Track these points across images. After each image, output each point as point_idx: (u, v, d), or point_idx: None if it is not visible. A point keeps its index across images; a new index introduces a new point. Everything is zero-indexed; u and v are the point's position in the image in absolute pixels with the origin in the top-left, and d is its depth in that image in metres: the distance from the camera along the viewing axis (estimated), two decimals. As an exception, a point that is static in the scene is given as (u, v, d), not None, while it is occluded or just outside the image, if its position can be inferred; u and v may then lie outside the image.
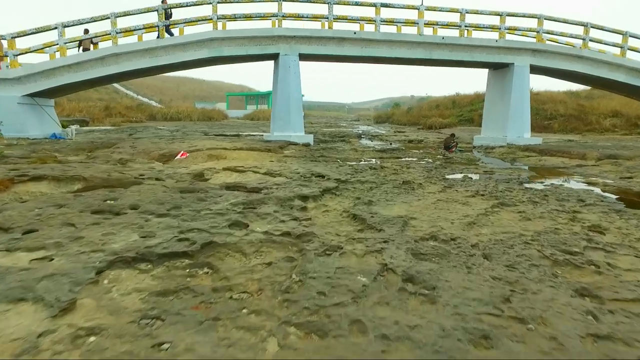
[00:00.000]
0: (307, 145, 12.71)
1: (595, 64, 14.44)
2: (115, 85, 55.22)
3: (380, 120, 41.51)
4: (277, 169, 6.74)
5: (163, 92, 57.62)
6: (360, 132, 23.20)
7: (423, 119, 30.94)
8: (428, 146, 16.78)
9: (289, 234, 3.19)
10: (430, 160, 10.09)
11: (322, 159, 9.32)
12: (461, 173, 7.51)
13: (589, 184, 6.50)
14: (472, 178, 6.78)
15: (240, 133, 17.76)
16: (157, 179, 5.44)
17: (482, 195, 5.15)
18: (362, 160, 9.64)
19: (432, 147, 14.97)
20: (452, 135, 13.76)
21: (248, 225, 3.40)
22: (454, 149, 13.35)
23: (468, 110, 31.68)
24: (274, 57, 13.29)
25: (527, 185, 6.12)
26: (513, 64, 13.95)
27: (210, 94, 62.92)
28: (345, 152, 11.39)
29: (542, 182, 6.57)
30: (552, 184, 6.36)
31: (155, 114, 35.88)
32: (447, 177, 6.83)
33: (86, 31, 13.00)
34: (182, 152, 8.61)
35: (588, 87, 31.83)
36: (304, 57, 13.50)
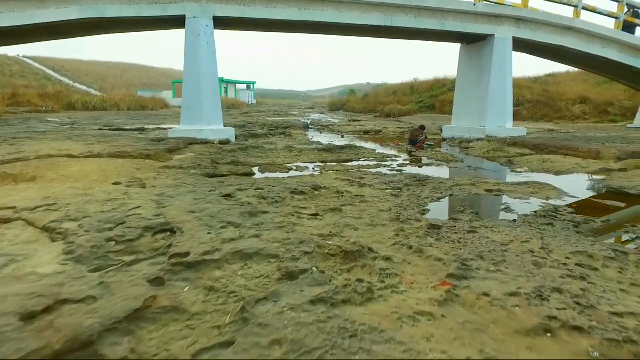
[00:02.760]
0: (225, 142, 9.18)
1: (587, 39, 11.82)
2: (49, 71, 49.27)
3: (334, 108, 38.34)
4: (87, 214, 3.22)
5: (104, 80, 52.89)
6: (309, 121, 19.83)
7: (380, 106, 28.10)
8: (387, 138, 13.71)
9: None
10: (394, 165, 6.90)
11: (227, 170, 5.86)
12: (449, 195, 4.36)
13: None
14: (484, 221, 3.58)
15: (151, 126, 13.84)
16: None
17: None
18: (292, 169, 6.29)
19: (395, 140, 11.86)
20: (421, 127, 10.72)
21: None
22: (422, 145, 10.34)
23: (428, 97, 29.17)
24: (181, 22, 9.53)
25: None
26: (493, 36, 11.02)
27: (159, 82, 58.26)
28: (275, 153, 7.97)
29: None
30: None
31: (75, 103, 30.81)
32: (437, 220, 3.59)
33: None
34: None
35: (549, 74, 30.34)
36: (221, 22, 9.85)
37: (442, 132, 13.27)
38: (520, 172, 6.39)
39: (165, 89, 48.47)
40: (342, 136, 13.49)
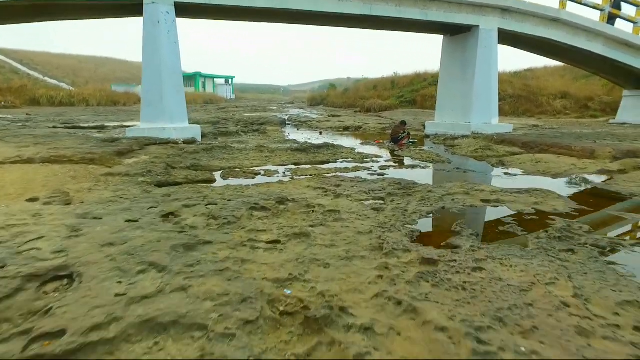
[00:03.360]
0: (190, 142, 8.31)
1: (572, 31, 11.36)
2: (17, 64, 46.74)
3: (314, 103, 37.54)
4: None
5: (77, 74, 50.04)
6: (287, 117, 18.99)
7: (360, 101, 27.47)
8: (368, 134, 13.04)
9: None
10: (375, 167, 6.19)
11: (184, 177, 5.04)
12: (441, 208, 3.67)
13: None
14: (489, 248, 2.91)
15: (114, 124, 12.79)
16: None
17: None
18: (259, 174, 5.50)
19: (376, 138, 11.19)
20: (403, 123, 10.07)
21: None
22: (405, 142, 9.69)
23: (409, 91, 28.62)
24: (139, 8, 8.56)
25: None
26: (478, 27, 10.42)
27: (135, 76, 56.17)
28: (243, 154, 7.15)
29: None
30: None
31: (39, 98, 29.17)
32: (431, 251, 2.91)
33: None
34: None
35: (527, 69, 30.21)
36: (184, 10, 8.93)
37: (425, 128, 12.66)
38: (515, 175, 5.77)
39: (139, 83, 47.29)
40: (321, 133, 12.76)
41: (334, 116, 20.53)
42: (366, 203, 3.80)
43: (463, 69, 11.03)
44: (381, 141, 10.12)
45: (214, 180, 5.11)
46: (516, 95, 22.58)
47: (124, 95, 33.49)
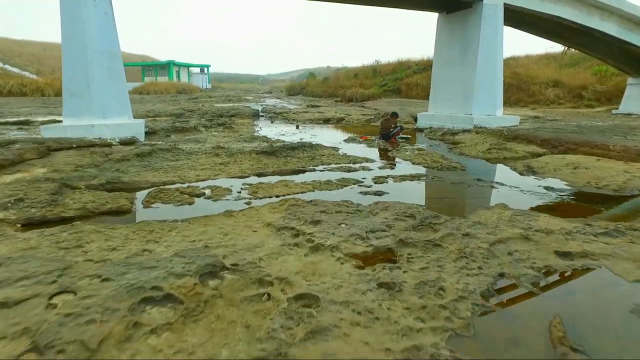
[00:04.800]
0: (129, 142, 6.46)
1: (586, 9, 9.88)
2: None
3: (293, 92, 35.57)
4: None
5: (42, 62, 46.29)
6: (261, 108, 17.14)
7: (341, 90, 25.77)
8: (352, 127, 11.39)
9: None
10: (367, 180, 4.52)
11: (81, 205, 3.26)
12: (498, 275, 2.06)
13: None
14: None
15: (47, 117, 10.72)
16: None
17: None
18: (201, 196, 3.75)
19: (363, 132, 9.54)
20: (393, 115, 8.45)
21: None
22: (396, 138, 8.11)
23: (392, 79, 27.01)
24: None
25: None
26: (481, 1, 8.80)
27: None
28: (192, 160, 5.36)
29: None
30: None
31: (-16, 89, 26.52)
32: None
33: None
34: None
35: (510, 57, 28.80)
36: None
37: (415, 120, 11.07)
38: (561, 190, 4.20)
39: None
40: (297, 127, 11.00)
41: (313, 106, 18.76)
42: (366, 270, 2.13)
43: (463, 52, 9.43)
44: (369, 137, 8.46)
45: (128, 210, 3.36)
46: (506, 84, 21.16)
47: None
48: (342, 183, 4.33)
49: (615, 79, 18.88)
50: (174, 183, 4.23)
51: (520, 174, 5.05)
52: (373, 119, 12.89)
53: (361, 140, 8.22)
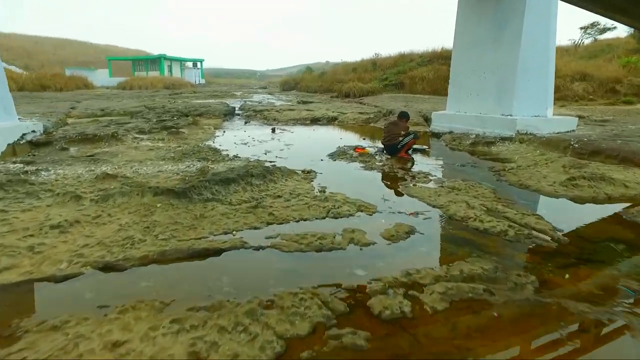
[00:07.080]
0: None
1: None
2: None
3: (287, 87, 32.78)
4: None
5: (32, 57, 44.52)
6: (240, 104, 14.43)
7: (337, 84, 23.07)
8: (346, 128, 8.70)
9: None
10: (357, 292, 1.87)
11: None
12: None
13: None
14: None
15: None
16: None
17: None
18: None
19: (358, 138, 6.86)
20: (403, 117, 5.75)
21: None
22: (409, 150, 5.46)
23: (394, 73, 24.14)
24: None
25: None
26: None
27: (98, 60, 50.78)
28: (12, 211, 2.68)
29: None
30: None
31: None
32: None
33: None
34: None
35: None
36: None
37: (428, 122, 8.37)
38: None
39: (103, 67, 42.55)
40: (273, 130, 8.25)
41: (304, 102, 16.05)
42: None
43: (498, 28, 6.69)
44: (366, 150, 5.76)
45: None
46: (526, 77, 18.51)
47: (70, 79, 27.99)
48: (302, 322, 1.64)
49: (650, 70, 16.18)
50: None
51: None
52: (372, 119, 10.18)
53: (355, 154, 5.51)
